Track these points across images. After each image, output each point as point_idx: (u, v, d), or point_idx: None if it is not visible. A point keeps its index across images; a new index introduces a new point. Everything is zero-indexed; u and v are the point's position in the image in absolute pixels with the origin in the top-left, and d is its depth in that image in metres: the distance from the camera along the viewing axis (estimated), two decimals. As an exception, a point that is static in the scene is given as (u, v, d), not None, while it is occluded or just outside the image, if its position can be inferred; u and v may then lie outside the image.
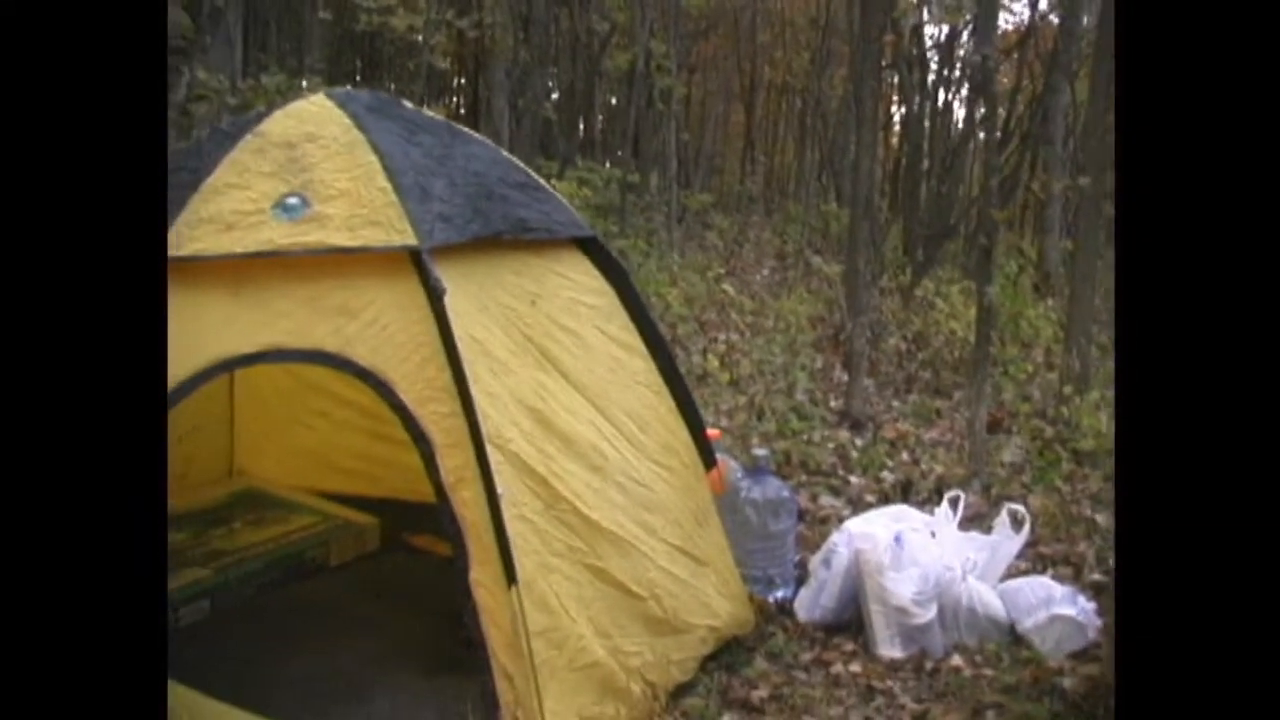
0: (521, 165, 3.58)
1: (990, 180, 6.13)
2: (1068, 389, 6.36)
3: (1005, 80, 16.16)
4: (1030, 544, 4.29)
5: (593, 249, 3.54)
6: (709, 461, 3.63)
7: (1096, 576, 4.11)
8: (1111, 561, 3.36)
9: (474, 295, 3.02)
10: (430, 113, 3.62)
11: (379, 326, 2.87)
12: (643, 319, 3.57)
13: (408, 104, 3.54)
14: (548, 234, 3.35)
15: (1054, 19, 13.98)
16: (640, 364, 3.51)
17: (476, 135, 3.66)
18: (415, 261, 2.89)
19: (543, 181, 3.62)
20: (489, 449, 2.79)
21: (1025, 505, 4.62)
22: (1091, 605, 3.72)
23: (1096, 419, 5.86)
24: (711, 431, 3.85)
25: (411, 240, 2.88)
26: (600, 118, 19.43)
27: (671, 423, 3.53)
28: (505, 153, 3.63)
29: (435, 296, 2.84)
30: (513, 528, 2.79)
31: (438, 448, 2.81)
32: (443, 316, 2.84)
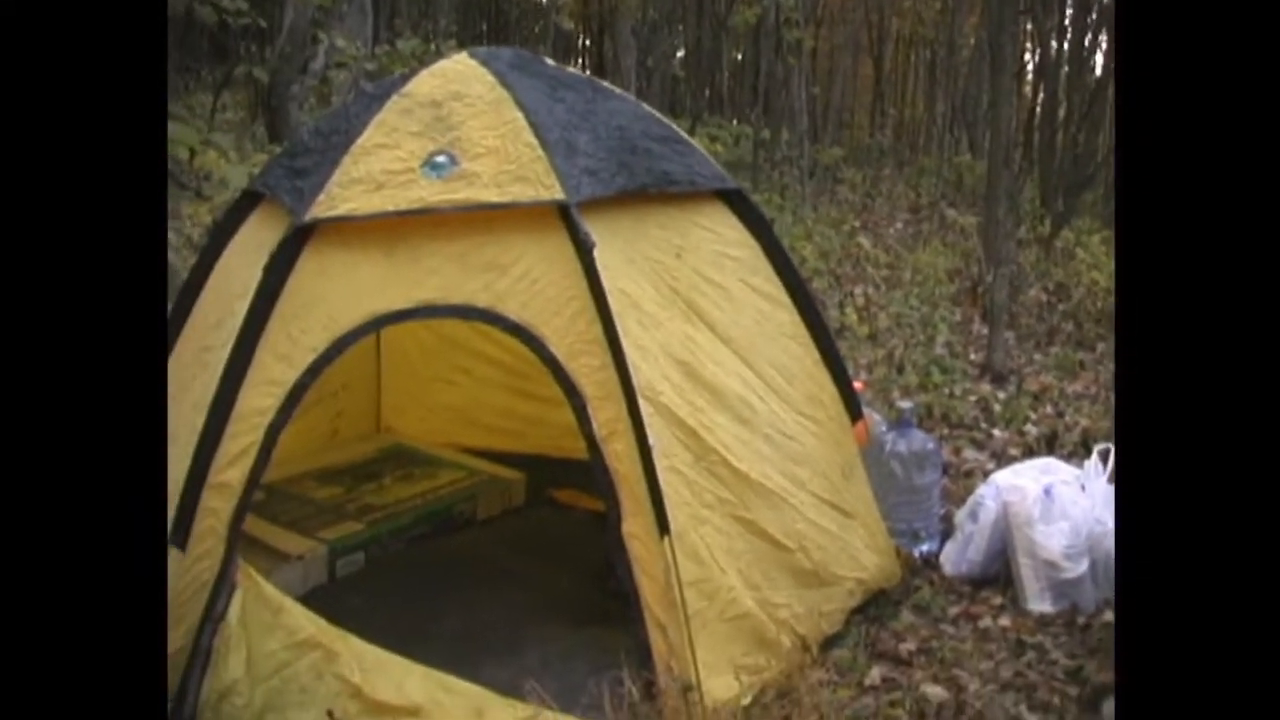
0: (663, 119, 3.57)
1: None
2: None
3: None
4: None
5: (736, 201, 3.52)
6: (855, 414, 3.61)
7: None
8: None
9: (621, 249, 3.03)
10: (571, 69, 3.63)
11: (529, 281, 2.90)
12: (787, 271, 3.55)
13: (549, 61, 3.55)
14: (691, 186, 3.34)
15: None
16: (785, 316, 3.49)
17: (617, 90, 3.66)
18: (563, 216, 2.90)
19: (684, 134, 3.61)
20: (640, 401, 2.80)
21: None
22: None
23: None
24: (856, 384, 3.82)
25: (559, 195, 2.90)
26: (728, 74, 19.35)
27: (817, 375, 3.52)
28: (646, 106, 3.63)
29: (584, 250, 2.85)
30: (664, 479, 2.80)
31: (589, 400, 2.83)
32: (592, 270, 2.85)
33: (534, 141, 2.97)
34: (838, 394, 3.55)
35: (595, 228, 2.89)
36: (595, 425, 2.82)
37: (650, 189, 3.20)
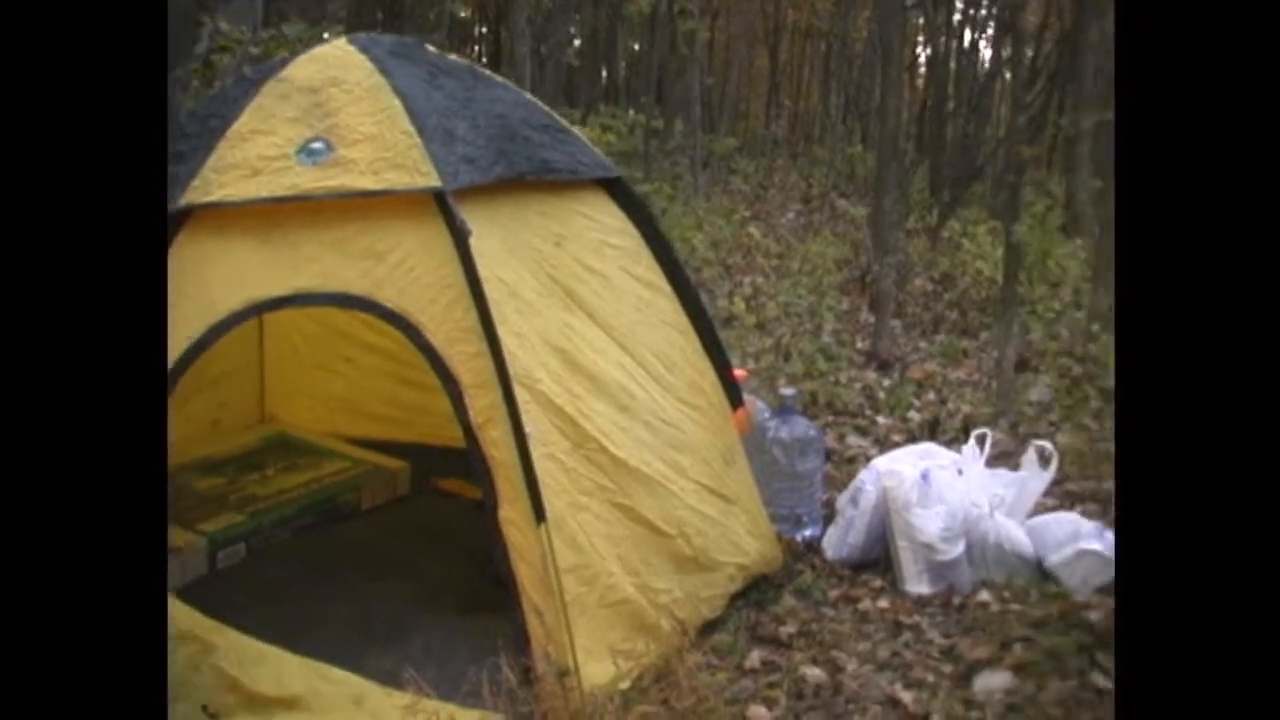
0: (545, 108, 3.58)
1: (1017, 118, 6.07)
2: (1096, 327, 6.33)
3: (1033, 18, 16.01)
4: (1058, 481, 4.29)
5: (617, 190, 3.54)
6: (735, 401, 3.64)
7: (1125, 512, 4.11)
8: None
9: (500, 237, 3.03)
10: (454, 57, 3.62)
11: (405, 269, 2.89)
12: (667, 259, 3.57)
13: (431, 48, 3.53)
14: (572, 174, 3.36)
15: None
16: (666, 304, 3.52)
17: (499, 78, 3.65)
18: (440, 204, 2.89)
19: (566, 123, 3.61)
20: (516, 389, 2.80)
21: (1053, 443, 4.62)
22: (1117, 539, 3.73)
23: (1125, 357, 5.84)
24: (738, 371, 3.86)
25: (435, 182, 2.89)
26: (623, 64, 19.33)
27: (698, 363, 3.55)
28: (529, 95, 3.63)
29: (460, 238, 2.84)
30: (541, 466, 2.81)
31: (465, 388, 2.83)
32: (468, 258, 2.84)
33: (410, 129, 2.95)
34: (718, 381, 3.59)
35: (474, 216, 2.88)
36: (471, 413, 2.82)
37: (530, 177, 3.21)
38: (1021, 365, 6.07)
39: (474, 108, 3.19)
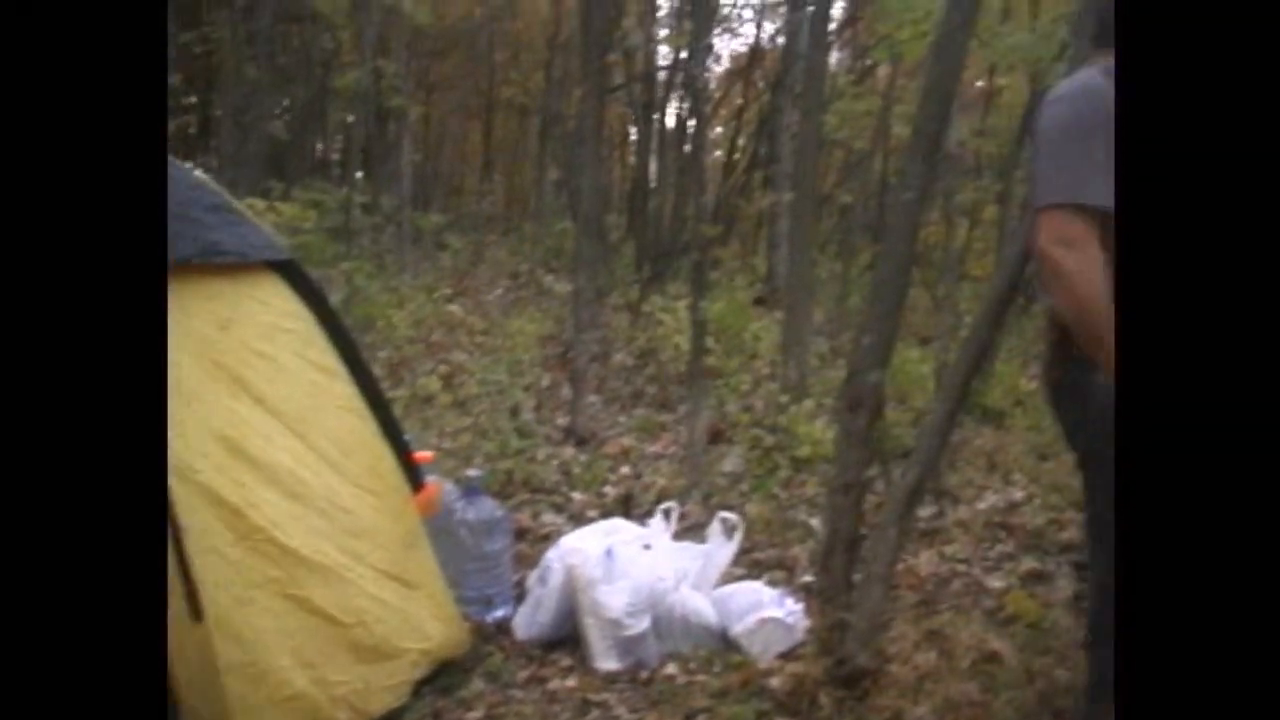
0: (216, 188, 3.48)
1: (700, 198, 6.28)
2: (784, 399, 6.57)
3: (738, 100, 16.70)
4: (746, 550, 4.41)
5: (290, 273, 3.46)
6: (417, 484, 3.60)
7: (808, 578, 4.25)
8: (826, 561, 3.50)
9: (159, 323, 2.91)
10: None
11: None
12: (344, 343, 3.51)
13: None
14: (241, 257, 3.27)
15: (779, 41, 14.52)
16: (342, 388, 3.45)
17: (169, 158, 3.53)
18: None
19: (237, 205, 3.52)
20: (172, 482, 2.69)
21: (742, 513, 4.75)
22: (799, 607, 3.84)
23: (812, 427, 6.07)
24: (423, 454, 3.82)
25: (88, 267, 2.75)
26: (338, 137, 19.08)
27: (377, 447, 3.49)
28: (200, 174, 3.53)
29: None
30: (201, 561, 2.71)
31: (117, 482, 2.69)
32: (120, 345, 2.72)
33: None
34: (398, 465, 3.54)
35: (129, 301, 2.76)
36: (124, 508, 2.69)
37: (195, 260, 3.11)
38: (716, 437, 6.24)
39: (136, 189, 3.07)
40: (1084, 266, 2.49)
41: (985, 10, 8.81)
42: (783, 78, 12.83)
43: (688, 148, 12.82)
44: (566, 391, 7.26)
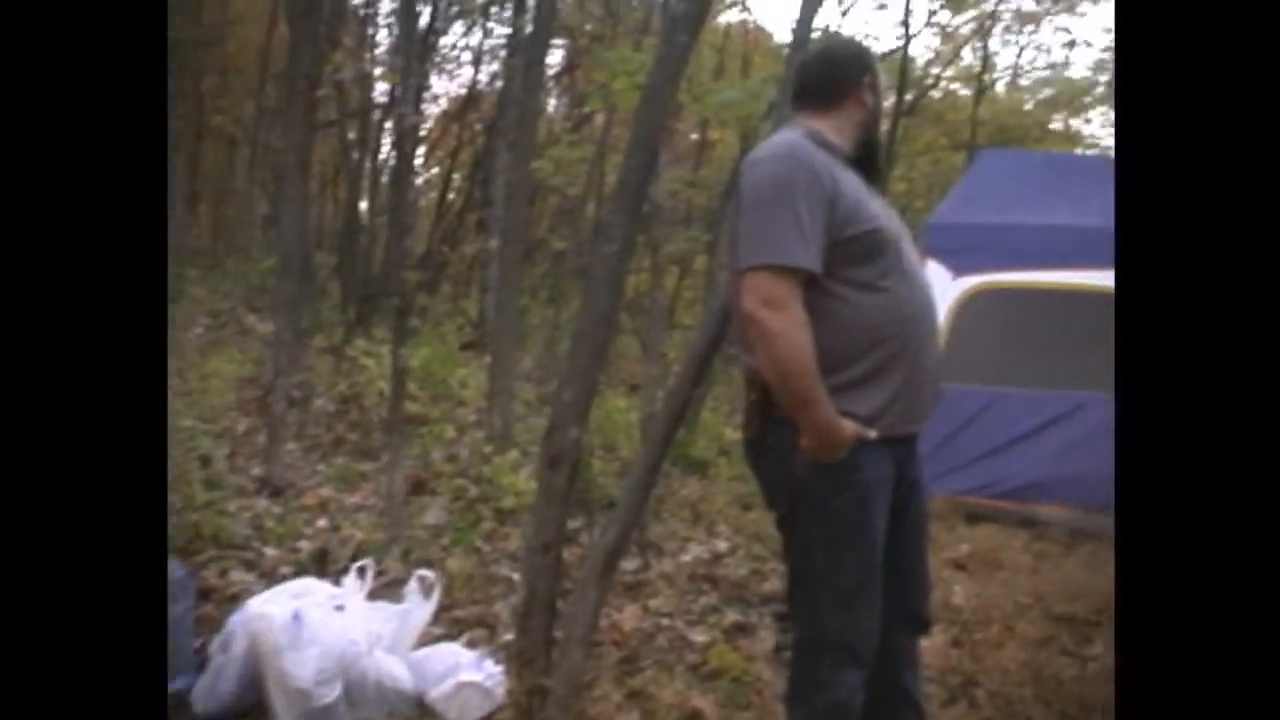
0: None
1: (403, 241, 6.12)
2: (489, 448, 6.45)
3: (453, 141, 16.56)
4: (446, 607, 4.26)
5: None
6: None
7: (510, 636, 4.12)
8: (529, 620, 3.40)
9: None
10: None
11: None
12: None
13: None
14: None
15: (497, 85, 14.50)
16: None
17: None
18: None
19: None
20: None
21: (443, 568, 4.60)
22: (499, 670, 3.71)
23: (517, 477, 5.96)
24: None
25: None
26: None
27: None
28: None
29: None
30: None
31: None
32: None
33: None
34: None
35: None
36: None
37: None
38: (418, 488, 6.05)
39: None
40: (788, 327, 2.49)
41: (699, 68, 9.08)
42: (498, 121, 12.79)
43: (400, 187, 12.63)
44: (263, 438, 6.93)
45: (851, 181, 2.69)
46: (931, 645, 3.87)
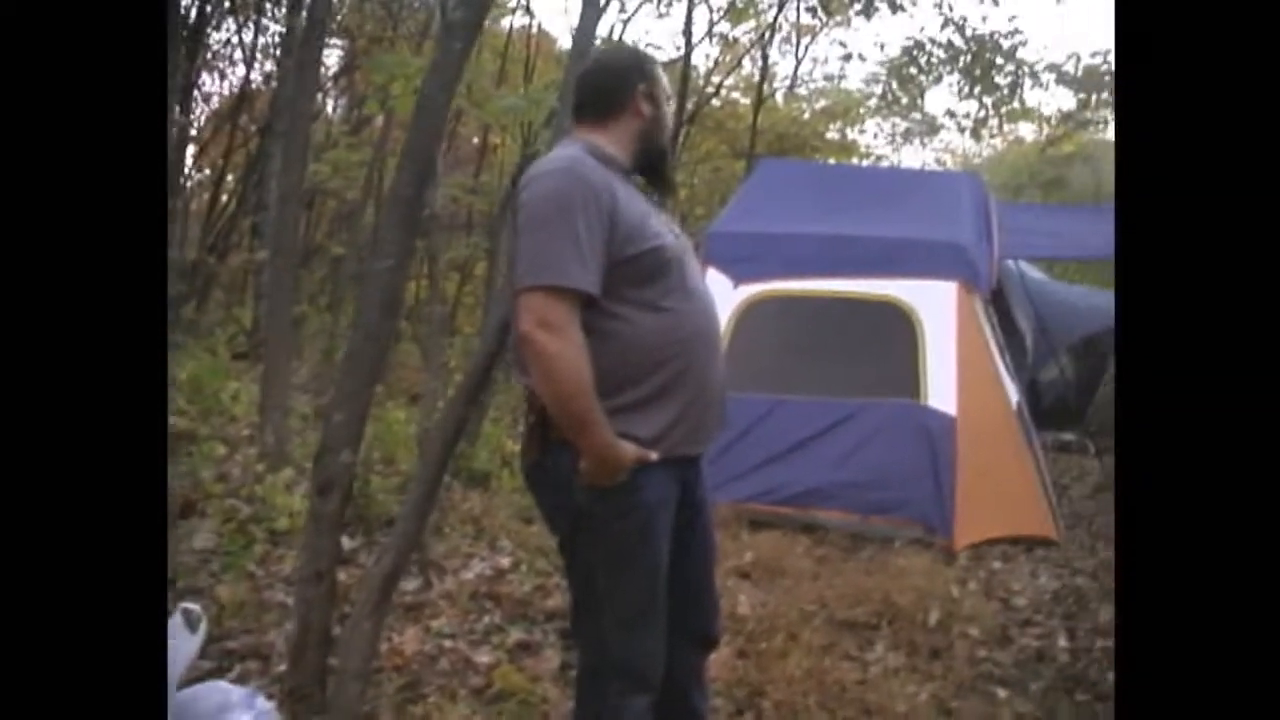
0: None
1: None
2: (261, 467, 6.18)
3: (225, 142, 16.00)
4: (217, 639, 4.05)
5: None
6: None
7: (284, 668, 3.93)
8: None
9: None
10: None
11: None
12: None
13: None
14: None
15: (271, 85, 14.10)
16: None
17: None
18: None
19: None
20: None
21: (212, 596, 4.36)
22: (271, 705, 3.52)
23: (291, 497, 5.73)
24: None
25: None
26: None
27: None
28: None
29: None
30: None
31: None
32: None
33: None
34: None
35: None
36: None
37: None
38: (187, 510, 5.75)
39: None
40: (564, 350, 2.43)
41: (480, 73, 8.95)
42: (272, 122, 12.39)
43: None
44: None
45: (633, 197, 2.64)
46: (718, 658, 3.85)
